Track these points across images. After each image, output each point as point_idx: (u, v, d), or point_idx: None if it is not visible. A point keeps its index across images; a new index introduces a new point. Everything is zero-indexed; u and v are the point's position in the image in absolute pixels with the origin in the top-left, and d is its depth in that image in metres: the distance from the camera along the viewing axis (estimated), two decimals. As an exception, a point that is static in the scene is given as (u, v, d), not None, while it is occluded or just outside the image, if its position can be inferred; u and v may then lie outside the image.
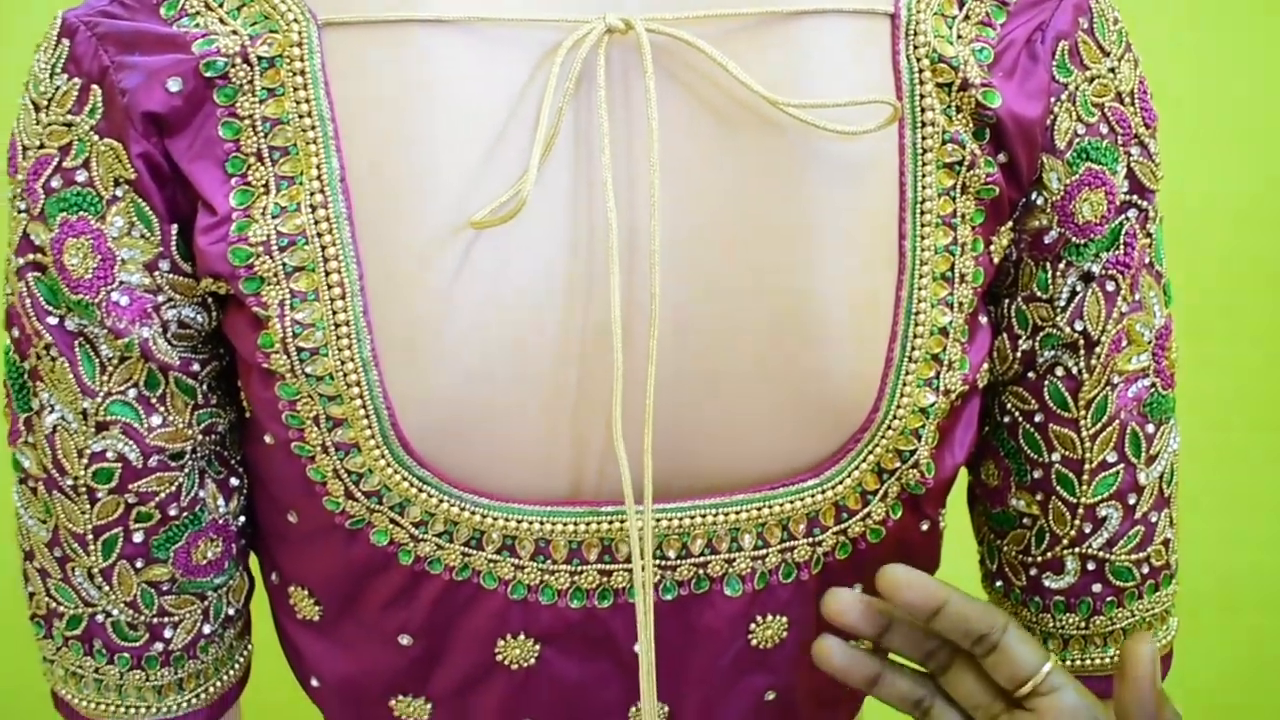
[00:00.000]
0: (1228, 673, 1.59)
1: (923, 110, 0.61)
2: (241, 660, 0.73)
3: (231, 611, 0.71)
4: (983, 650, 0.59)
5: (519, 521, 0.63)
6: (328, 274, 0.59)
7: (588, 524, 0.63)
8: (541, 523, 0.63)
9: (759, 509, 0.64)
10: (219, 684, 0.71)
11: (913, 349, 0.62)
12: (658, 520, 0.63)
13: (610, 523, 0.63)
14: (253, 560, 0.74)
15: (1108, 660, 0.70)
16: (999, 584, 0.73)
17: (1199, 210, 1.49)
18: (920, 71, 0.61)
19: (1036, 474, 0.68)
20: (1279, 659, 1.63)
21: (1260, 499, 1.60)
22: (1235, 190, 1.51)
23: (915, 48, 0.61)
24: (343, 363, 0.59)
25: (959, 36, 0.61)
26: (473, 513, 0.62)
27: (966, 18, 0.62)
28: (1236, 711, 1.62)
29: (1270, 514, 1.61)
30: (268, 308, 0.60)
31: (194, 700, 0.70)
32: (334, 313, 0.59)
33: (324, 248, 0.59)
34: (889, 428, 0.63)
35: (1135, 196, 0.65)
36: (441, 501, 0.62)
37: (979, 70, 0.61)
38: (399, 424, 0.60)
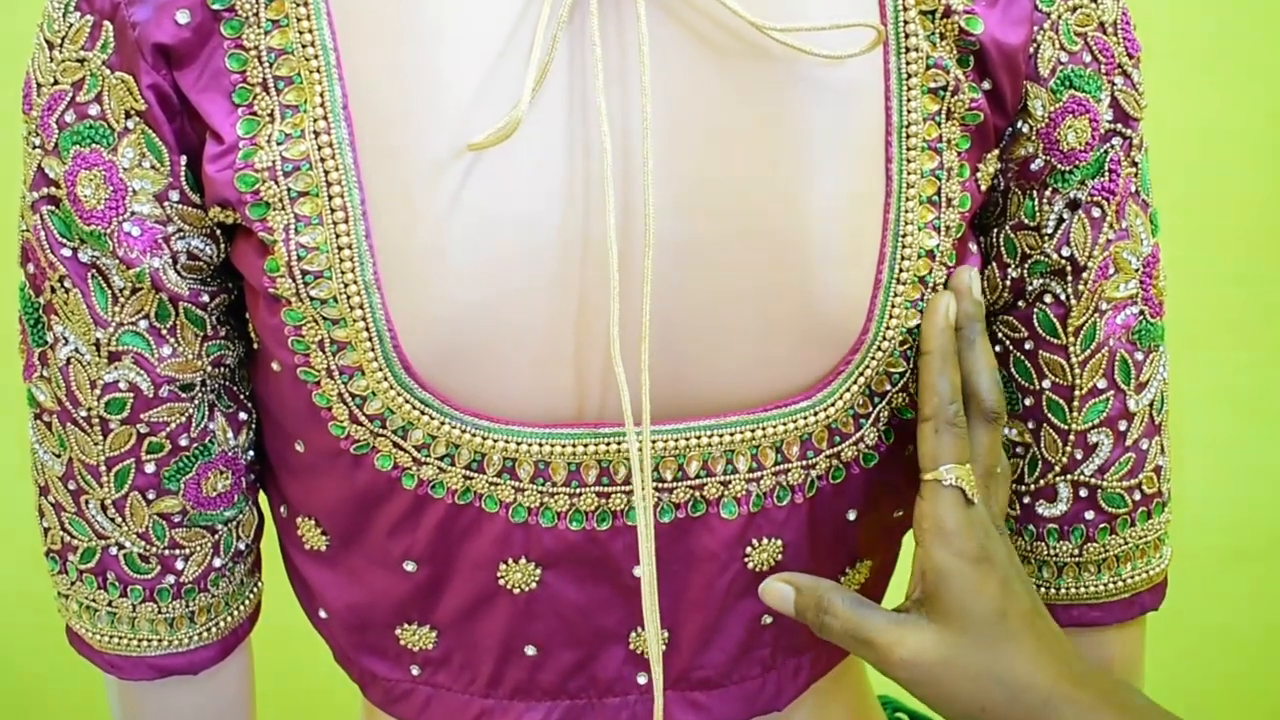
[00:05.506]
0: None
1: (906, 36, 0.62)
2: (251, 597, 0.75)
3: (241, 546, 0.72)
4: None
5: (519, 443, 0.64)
6: (330, 198, 0.61)
7: (585, 445, 0.64)
8: (540, 444, 0.64)
9: (752, 430, 0.65)
10: (229, 619, 0.73)
11: (900, 271, 0.64)
12: (654, 441, 0.64)
13: (608, 444, 0.64)
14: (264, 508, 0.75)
15: (1101, 588, 0.71)
16: (993, 514, 0.74)
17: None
18: None
19: (1028, 402, 0.69)
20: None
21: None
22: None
23: None
24: (345, 285, 0.61)
25: None
26: (473, 435, 0.64)
27: None
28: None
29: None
30: (273, 232, 0.61)
31: (204, 635, 0.72)
32: (337, 236, 0.61)
33: (327, 173, 0.61)
34: (878, 349, 0.65)
35: (1119, 125, 0.66)
36: (443, 424, 0.63)
37: None
38: (401, 347, 0.62)
